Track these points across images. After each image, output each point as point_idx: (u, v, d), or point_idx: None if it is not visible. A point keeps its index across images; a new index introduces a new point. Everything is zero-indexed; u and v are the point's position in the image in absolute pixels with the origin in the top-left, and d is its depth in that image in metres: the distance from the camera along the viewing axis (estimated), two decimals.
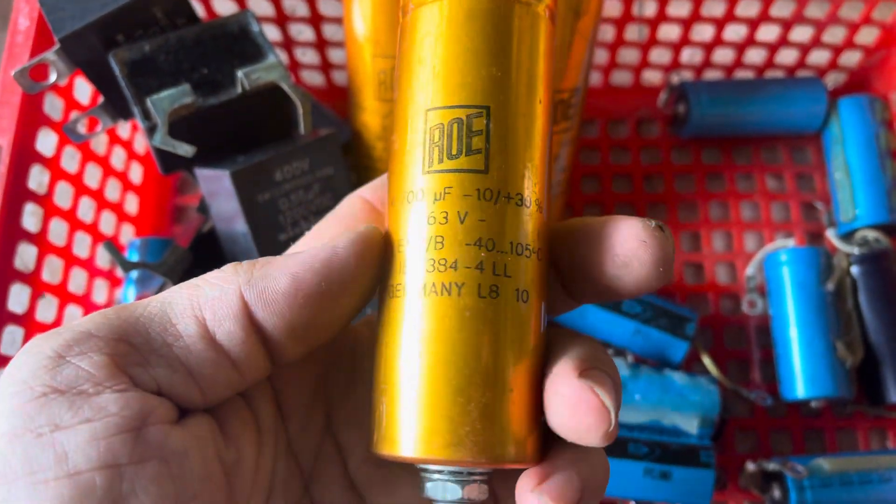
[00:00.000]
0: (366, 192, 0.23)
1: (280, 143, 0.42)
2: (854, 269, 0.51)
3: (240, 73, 0.40)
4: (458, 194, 0.19)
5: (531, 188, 0.20)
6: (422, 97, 0.20)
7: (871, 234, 0.53)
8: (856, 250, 0.52)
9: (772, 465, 0.46)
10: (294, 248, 0.22)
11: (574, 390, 0.19)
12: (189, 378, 0.19)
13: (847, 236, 0.54)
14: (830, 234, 0.54)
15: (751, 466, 0.47)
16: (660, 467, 0.45)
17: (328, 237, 0.21)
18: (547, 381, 0.19)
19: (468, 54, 0.20)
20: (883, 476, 0.46)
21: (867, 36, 0.55)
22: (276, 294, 0.19)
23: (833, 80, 0.59)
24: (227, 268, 0.20)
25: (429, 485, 0.20)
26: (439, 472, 0.20)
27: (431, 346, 0.19)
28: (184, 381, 0.19)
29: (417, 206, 0.20)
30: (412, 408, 0.19)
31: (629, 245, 0.20)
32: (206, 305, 0.19)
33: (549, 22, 0.21)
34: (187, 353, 0.19)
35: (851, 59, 0.58)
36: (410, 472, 0.23)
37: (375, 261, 0.21)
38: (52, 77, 0.40)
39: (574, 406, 0.18)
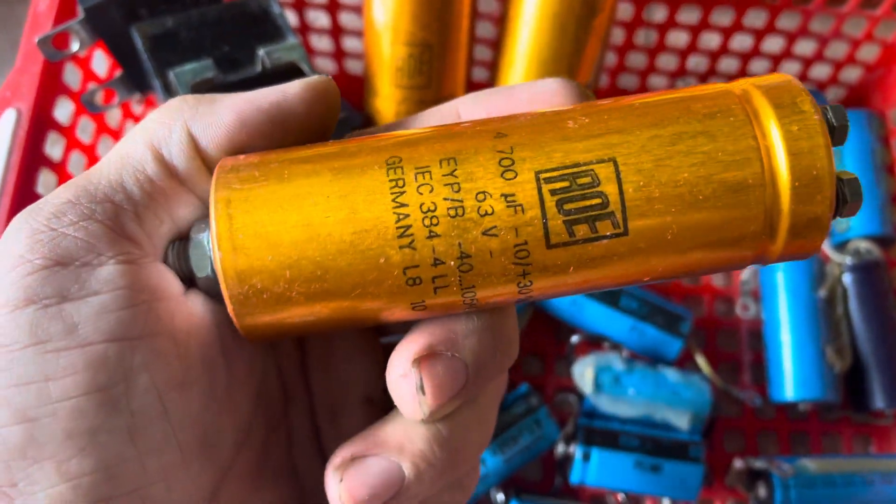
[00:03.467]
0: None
1: None
2: (846, 278, 0.53)
3: (261, 52, 0.40)
4: None
5: None
6: None
7: (864, 245, 0.54)
8: (848, 260, 0.53)
9: (759, 464, 0.47)
10: None
11: (403, 376, 0.19)
12: (171, 225, 0.20)
13: (840, 246, 0.55)
14: (824, 243, 0.56)
15: (738, 464, 0.48)
16: (650, 460, 0.46)
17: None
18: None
19: None
20: (866, 479, 0.47)
21: (868, 53, 0.57)
22: (223, 133, 0.19)
23: (833, 94, 0.60)
24: (173, 102, 0.20)
25: (196, 235, 0.20)
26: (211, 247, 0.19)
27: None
28: (168, 230, 0.20)
29: None
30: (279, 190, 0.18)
31: None
32: (162, 145, 0.19)
33: None
34: (164, 198, 0.19)
35: (852, 75, 0.59)
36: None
37: (326, 110, 0.21)
38: (75, 46, 0.41)
39: (397, 388, 0.19)
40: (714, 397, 0.48)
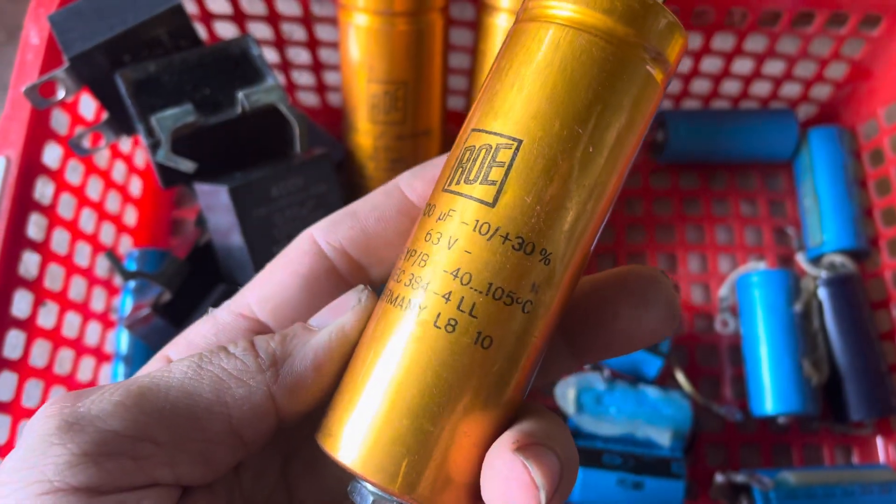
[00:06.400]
0: (318, 231, 0.23)
1: (277, 161, 0.44)
2: (821, 292, 0.54)
3: (240, 95, 0.42)
4: (457, 219, 0.19)
5: (541, 236, 0.18)
6: (475, 114, 0.20)
7: (838, 259, 0.55)
8: (823, 274, 0.54)
9: (740, 477, 0.48)
10: (254, 287, 0.23)
11: (505, 463, 0.18)
12: (206, 468, 0.20)
13: (815, 260, 0.57)
14: (800, 258, 0.57)
15: (719, 478, 0.49)
16: (633, 478, 0.47)
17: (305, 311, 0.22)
18: (487, 451, 0.19)
19: (532, 88, 0.19)
20: (846, 490, 0.48)
21: (837, 71, 0.58)
22: (305, 389, 0.20)
23: (804, 111, 0.62)
24: (248, 355, 0.20)
25: (357, 497, 0.20)
26: (373, 487, 0.20)
27: (384, 357, 0.19)
28: (201, 472, 0.20)
29: (426, 219, 0.19)
30: (356, 418, 0.19)
31: (645, 285, 0.20)
32: (234, 405, 0.19)
33: (661, 91, 0.20)
34: (210, 449, 0.19)
35: (822, 92, 0.61)
36: None
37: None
38: (61, 94, 0.42)
39: (505, 480, 0.18)
40: (695, 413, 0.49)
